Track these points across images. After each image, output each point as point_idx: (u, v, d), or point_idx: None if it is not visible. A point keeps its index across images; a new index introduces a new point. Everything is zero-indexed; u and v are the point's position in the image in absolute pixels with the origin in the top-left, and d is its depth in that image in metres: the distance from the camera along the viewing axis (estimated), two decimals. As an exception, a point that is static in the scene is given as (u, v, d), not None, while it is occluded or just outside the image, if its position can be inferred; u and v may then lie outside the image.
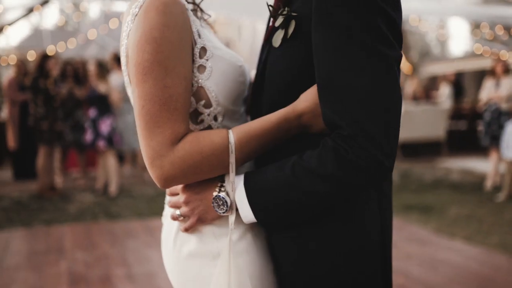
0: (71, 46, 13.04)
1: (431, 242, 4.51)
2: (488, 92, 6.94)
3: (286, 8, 1.08)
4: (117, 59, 7.09)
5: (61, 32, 17.97)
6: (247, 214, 1.05)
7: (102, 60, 10.53)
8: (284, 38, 1.06)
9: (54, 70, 6.52)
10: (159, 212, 5.43)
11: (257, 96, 1.17)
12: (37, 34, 16.68)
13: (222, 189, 1.08)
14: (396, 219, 5.26)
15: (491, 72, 7.06)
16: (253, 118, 1.19)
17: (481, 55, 13.85)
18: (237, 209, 1.07)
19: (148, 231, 5.02)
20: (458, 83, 13.93)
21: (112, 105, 6.62)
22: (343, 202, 1.00)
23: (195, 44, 1.12)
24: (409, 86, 12.29)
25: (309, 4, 1.00)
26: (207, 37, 1.17)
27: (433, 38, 21.77)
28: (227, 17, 13.01)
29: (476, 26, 14.24)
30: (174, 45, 1.05)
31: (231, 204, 1.07)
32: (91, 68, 6.75)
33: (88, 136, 6.62)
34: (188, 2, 1.24)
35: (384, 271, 1.08)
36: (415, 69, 14.76)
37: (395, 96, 0.93)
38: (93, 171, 8.27)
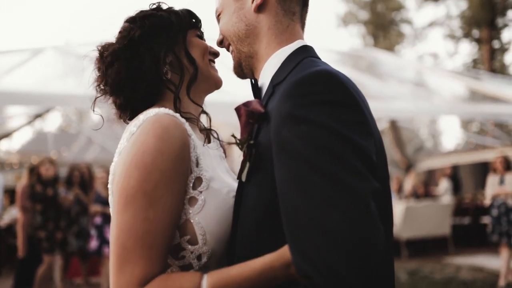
0: (75, 149, 13.33)
1: None
2: (493, 188, 7.05)
3: (248, 138, 1.03)
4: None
5: (64, 135, 18.42)
6: None
7: (104, 161, 10.73)
8: (250, 171, 1.00)
9: (46, 174, 6.52)
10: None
11: (232, 234, 1.07)
12: (39, 137, 17.10)
13: None
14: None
15: (493, 169, 7.23)
16: (227, 258, 1.08)
17: (474, 148, 14.21)
18: None
19: None
20: (455, 177, 14.11)
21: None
22: None
23: (191, 173, 1.04)
24: (408, 183, 12.42)
25: (269, 133, 0.96)
26: (206, 165, 1.09)
27: (426, 132, 22.42)
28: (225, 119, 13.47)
29: (467, 122, 14.78)
30: (164, 175, 0.97)
31: None
32: (100, 175, 6.84)
33: (94, 243, 6.55)
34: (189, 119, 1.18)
35: None
36: (411, 164, 15.01)
37: (370, 234, 0.80)
38: (95, 279, 8.03)
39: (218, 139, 1.28)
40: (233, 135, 1.05)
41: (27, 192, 6.98)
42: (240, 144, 1.03)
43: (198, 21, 1.30)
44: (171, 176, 0.99)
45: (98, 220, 6.64)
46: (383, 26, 24.40)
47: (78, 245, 7.13)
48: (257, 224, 0.98)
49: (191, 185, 1.04)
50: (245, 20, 1.15)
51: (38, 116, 10.64)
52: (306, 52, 1.11)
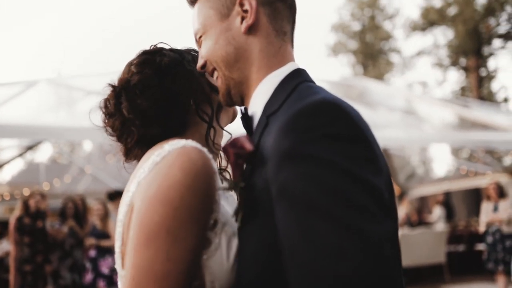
0: (67, 180, 13.22)
1: None
2: (487, 215, 7.09)
3: (239, 180, 0.93)
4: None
5: (55, 166, 18.25)
6: None
7: (95, 191, 10.65)
8: (245, 217, 0.91)
9: (35, 206, 6.46)
10: None
11: None
12: (30, 168, 16.97)
13: None
14: None
15: (486, 196, 7.28)
16: None
17: (466, 175, 14.32)
18: None
19: None
20: (448, 203, 14.15)
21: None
22: None
23: (212, 212, 0.95)
24: (401, 210, 12.44)
25: (265, 173, 0.86)
26: (222, 206, 1.01)
27: (417, 160, 22.57)
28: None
29: (458, 149, 14.96)
30: (191, 213, 0.90)
31: None
32: (96, 207, 6.80)
33: (88, 276, 6.47)
34: None
35: None
36: (404, 192, 15.06)
37: (387, 283, 0.72)
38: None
39: (228, 180, 1.18)
40: (223, 177, 0.99)
41: (15, 224, 6.89)
42: (230, 188, 0.94)
43: None
44: (197, 215, 0.91)
45: (92, 253, 6.56)
46: (372, 55, 24.83)
47: (72, 278, 7.02)
48: (256, 275, 0.88)
49: (209, 225, 0.95)
50: (234, 43, 1.04)
51: (30, 148, 10.59)
52: (301, 77, 1.01)
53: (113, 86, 1.17)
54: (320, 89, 0.94)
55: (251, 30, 1.03)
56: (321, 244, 0.72)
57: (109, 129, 1.17)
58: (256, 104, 1.03)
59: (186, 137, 1.07)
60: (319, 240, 0.73)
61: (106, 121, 1.17)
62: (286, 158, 0.78)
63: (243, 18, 1.04)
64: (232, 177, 0.96)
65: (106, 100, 1.17)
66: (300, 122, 0.79)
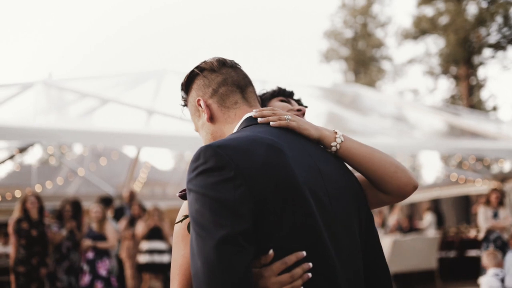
0: (59, 183, 13.10)
1: None
2: (486, 221, 7.15)
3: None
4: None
5: (46, 168, 18.07)
6: None
7: (86, 194, 10.57)
8: None
9: (33, 209, 6.47)
10: None
11: None
12: (21, 170, 16.77)
13: None
14: None
15: (486, 202, 7.33)
16: None
17: (456, 182, 14.44)
18: None
19: None
20: (438, 210, 14.27)
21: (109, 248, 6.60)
22: None
23: None
24: (393, 217, 12.52)
25: None
26: None
27: (407, 166, 22.71)
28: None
29: (448, 156, 15.10)
30: None
31: None
32: (95, 209, 6.79)
33: (86, 278, 6.46)
34: None
35: None
36: (395, 198, 15.09)
37: (224, 274, 1.01)
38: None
39: None
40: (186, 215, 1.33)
41: (13, 226, 6.84)
42: (182, 219, 1.35)
43: (283, 90, 1.72)
44: None
45: (90, 255, 6.59)
46: (364, 63, 25.01)
47: (68, 280, 7.00)
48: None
49: None
50: (209, 131, 1.44)
51: (22, 150, 10.48)
52: (246, 123, 1.37)
53: None
54: (240, 131, 1.33)
55: (211, 118, 1.44)
56: (192, 250, 1.09)
57: None
58: None
59: None
60: (192, 247, 1.09)
61: None
62: (187, 193, 1.16)
63: (205, 113, 1.44)
64: None
65: None
66: (190, 166, 1.16)
